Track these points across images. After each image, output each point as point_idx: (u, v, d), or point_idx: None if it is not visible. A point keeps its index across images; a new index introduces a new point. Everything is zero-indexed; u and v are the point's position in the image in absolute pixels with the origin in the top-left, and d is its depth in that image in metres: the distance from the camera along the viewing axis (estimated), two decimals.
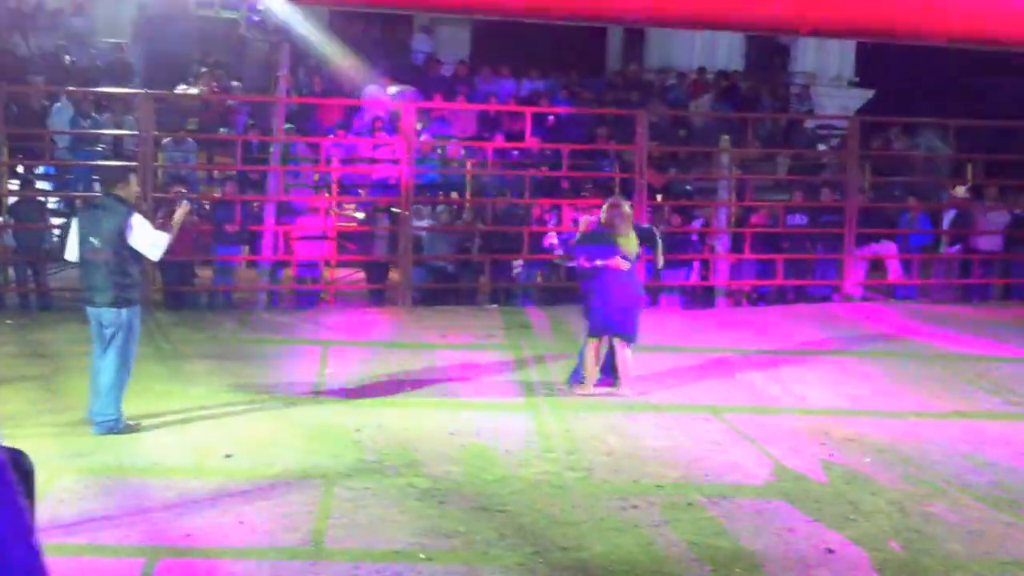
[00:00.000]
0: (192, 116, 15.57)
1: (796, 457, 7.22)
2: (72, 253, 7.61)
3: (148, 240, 7.42)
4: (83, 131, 14.33)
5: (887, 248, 14.71)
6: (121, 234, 7.33)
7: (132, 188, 7.71)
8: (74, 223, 7.72)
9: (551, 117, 17.25)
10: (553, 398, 8.77)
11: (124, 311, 7.41)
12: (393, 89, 16.84)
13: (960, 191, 15.32)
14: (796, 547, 5.69)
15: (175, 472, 6.68)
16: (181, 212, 7.82)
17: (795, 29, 7.76)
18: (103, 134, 14.46)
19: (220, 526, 5.78)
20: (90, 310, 7.55)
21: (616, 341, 8.82)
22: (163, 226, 7.84)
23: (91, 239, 7.40)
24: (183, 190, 12.20)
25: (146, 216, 8.07)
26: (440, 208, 13.97)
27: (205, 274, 13.50)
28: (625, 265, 8.80)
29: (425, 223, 13.61)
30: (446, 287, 13.63)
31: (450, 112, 17.01)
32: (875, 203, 14.80)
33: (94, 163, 14.06)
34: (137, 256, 7.46)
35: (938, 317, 12.75)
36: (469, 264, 13.85)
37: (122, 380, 7.49)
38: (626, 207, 9.08)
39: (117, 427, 7.42)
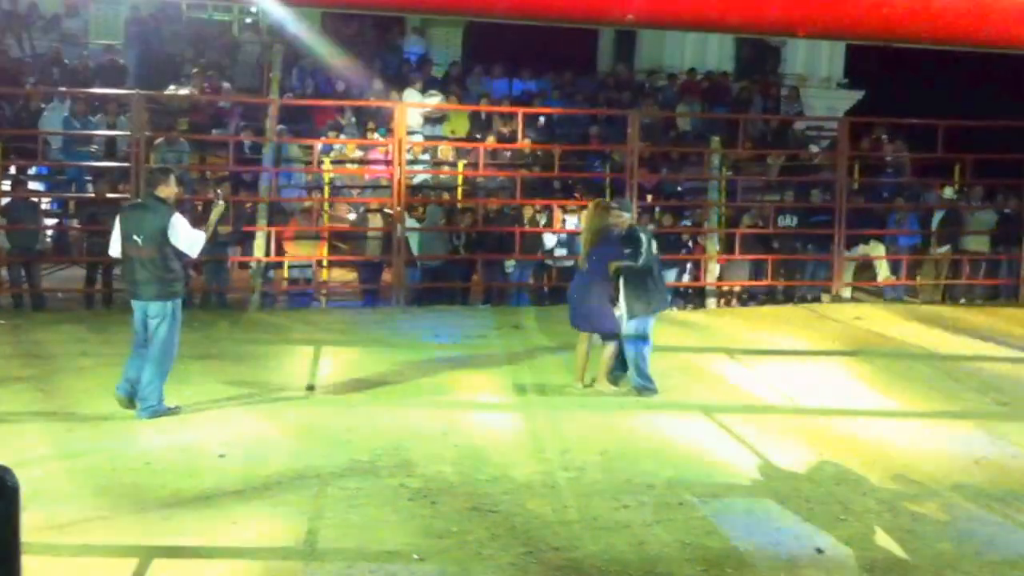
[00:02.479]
0: (184, 117, 15.56)
1: (786, 457, 7.26)
2: (115, 250, 8.07)
3: (188, 238, 7.90)
4: (76, 132, 14.31)
5: (876, 249, 14.77)
6: (163, 232, 7.78)
7: (172, 189, 8.05)
8: (117, 222, 8.11)
9: (542, 118, 17.28)
10: (545, 398, 8.82)
11: (169, 303, 7.89)
12: (435, 97, 16.93)
13: (949, 192, 15.41)
14: (786, 547, 5.72)
15: (168, 472, 6.69)
16: (216, 212, 8.32)
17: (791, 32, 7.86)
18: (96, 135, 14.44)
19: (213, 526, 5.80)
20: (136, 303, 7.97)
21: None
22: (199, 226, 8.26)
23: (135, 237, 7.84)
24: (219, 192, 12.36)
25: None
26: (431, 208, 14.00)
27: (198, 274, 13.50)
28: (581, 264, 9.04)
29: (417, 224, 13.63)
30: (439, 286, 13.65)
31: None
32: (865, 204, 14.86)
33: (87, 164, 14.08)
34: (178, 252, 7.93)
35: (927, 317, 12.83)
36: (461, 264, 13.88)
37: (165, 367, 7.96)
38: (590, 207, 9.19)
39: (161, 410, 7.89)
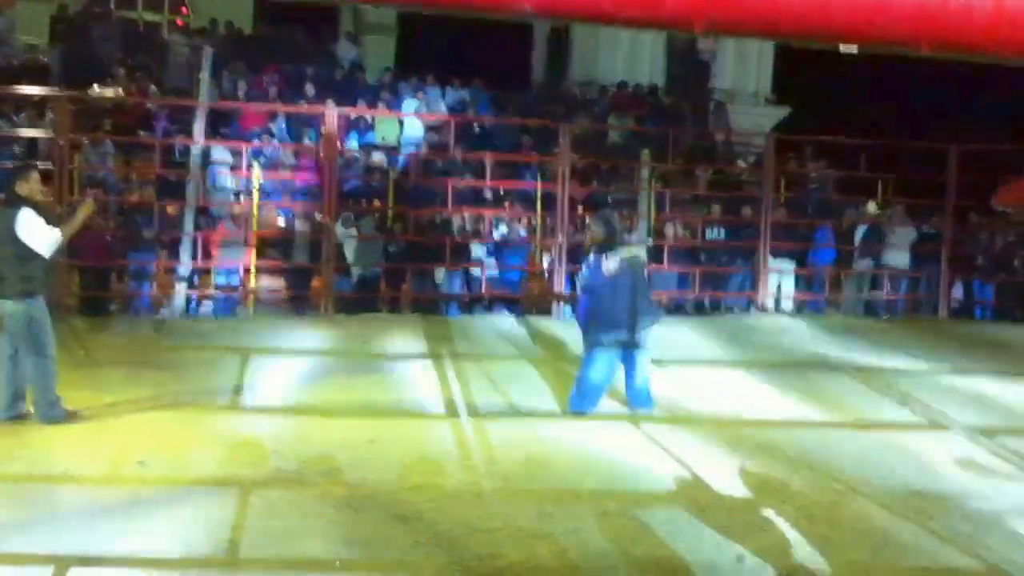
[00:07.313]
0: (108, 118, 15.31)
1: (709, 466, 7.35)
2: None
3: (38, 236, 7.58)
4: None
5: (783, 264, 14.91)
6: (11, 230, 7.51)
7: (33, 185, 7.78)
8: None
9: (475, 127, 17.33)
10: (472, 407, 8.82)
11: (23, 303, 7.57)
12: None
13: (872, 207, 15.73)
14: (707, 555, 5.79)
15: (87, 480, 6.59)
16: (82, 212, 7.99)
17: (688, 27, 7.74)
18: (17, 136, 14.14)
19: (132, 534, 5.71)
20: None
21: None
22: (61, 223, 7.93)
23: None
24: (89, 191, 12.04)
25: (56, 217, 8.09)
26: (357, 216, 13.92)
27: (122, 280, 13.29)
28: None
29: (350, 231, 13.54)
30: (368, 295, 13.57)
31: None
32: (788, 219, 15.10)
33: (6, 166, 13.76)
34: (34, 251, 7.59)
35: (848, 330, 13.07)
36: (391, 273, 13.82)
37: (45, 370, 7.65)
38: None
39: (52, 414, 7.65)
